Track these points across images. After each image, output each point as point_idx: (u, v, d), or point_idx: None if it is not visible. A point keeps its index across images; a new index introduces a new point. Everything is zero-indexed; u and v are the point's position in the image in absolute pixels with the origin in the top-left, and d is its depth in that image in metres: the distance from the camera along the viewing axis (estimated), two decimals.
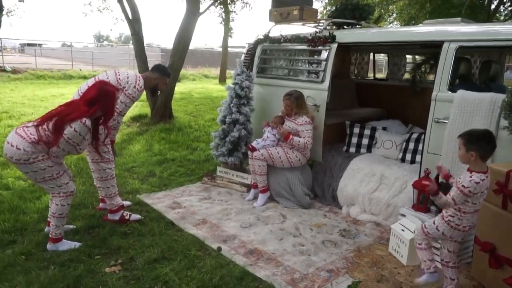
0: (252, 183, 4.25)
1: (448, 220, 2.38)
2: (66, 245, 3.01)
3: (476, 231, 2.78)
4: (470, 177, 2.22)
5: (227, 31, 18.66)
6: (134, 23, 7.96)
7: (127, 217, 3.50)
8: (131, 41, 7.82)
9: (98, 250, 2.99)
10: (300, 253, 3.10)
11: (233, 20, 17.88)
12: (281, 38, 4.61)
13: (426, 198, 3.13)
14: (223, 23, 17.65)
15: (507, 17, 15.67)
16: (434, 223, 2.47)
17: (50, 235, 2.99)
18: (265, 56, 4.82)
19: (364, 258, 3.05)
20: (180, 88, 14.48)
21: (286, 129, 3.96)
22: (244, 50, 5.14)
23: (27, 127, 2.78)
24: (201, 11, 8.75)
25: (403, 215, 3.23)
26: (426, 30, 3.63)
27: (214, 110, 9.48)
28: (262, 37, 4.86)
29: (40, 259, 2.82)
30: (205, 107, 10.52)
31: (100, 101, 2.84)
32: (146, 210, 3.79)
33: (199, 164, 5.35)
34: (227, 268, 2.81)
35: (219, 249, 3.09)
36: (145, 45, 8.32)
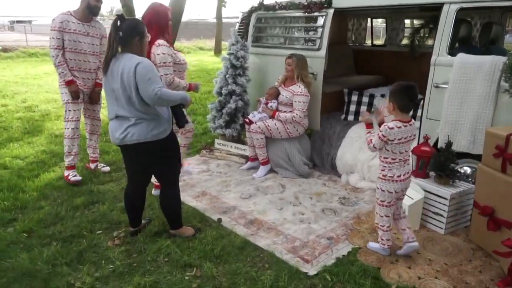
0: (250, 155, 4.24)
1: (382, 176, 2.50)
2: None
3: (475, 195, 2.80)
4: (387, 124, 2.39)
5: (220, 1, 18.17)
6: None
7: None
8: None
9: (99, 225, 3.01)
10: (300, 221, 3.12)
11: None
12: (276, 5, 4.47)
13: (425, 164, 3.12)
14: None
15: None
16: (377, 189, 2.57)
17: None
18: (260, 25, 4.70)
19: (363, 225, 3.08)
20: None
21: (273, 107, 3.98)
22: (238, 19, 5.01)
23: None
24: None
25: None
26: None
27: (210, 82, 9.33)
28: (256, 5, 4.72)
29: (43, 236, 2.84)
30: (201, 79, 10.39)
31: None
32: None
33: (196, 137, 5.31)
34: (228, 238, 2.84)
35: (220, 220, 3.11)
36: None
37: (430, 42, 4.66)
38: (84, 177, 3.86)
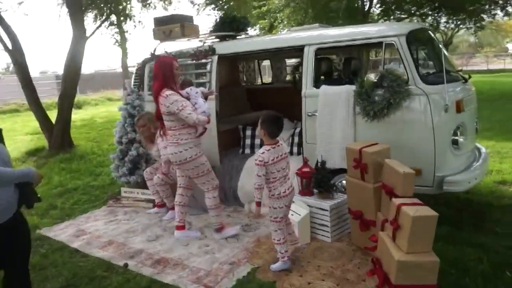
0: (156, 202, 4.33)
1: (271, 196, 2.85)
2: (233, 231, 3.59)
3: (348, 204, 3.26)
4: (259, 151, 2.79)
5: (124, 51, 18.28)
6: (16, 53, 7.52)
7: None
8: None
9: None
10: (205, 253, 3.31)
11: (127, 40, 17.57)
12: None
13: (308, 183, 3.55)
14: (118, 44, 17.26)
15: (379, 17, 17.73)
16: (270, 208, 2.89)
17: (217, 226, 3.55)
18: None
19: (262, 246, 3.36)
20: (81, 115, 13.85)
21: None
22: (134, 70, 5.24)
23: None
24: (88, 34, 8.58)
25: (293, 202, 3.61)
26: (290, 37, 4.12)
27: None
28: (148, 56, 5.00)
29: None
30: (109, 131, 10.17)
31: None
32: (48, 244, 3.69)
33: (103, 188, 5.28)
34: (134, 281, 2.92)
35: (126, 265, 3.16)
36: (39, 73, 7.96)
37: None
38: None
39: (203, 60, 4.50)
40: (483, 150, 3.94)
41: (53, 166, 6.60)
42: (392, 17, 17.55)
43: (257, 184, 2.77)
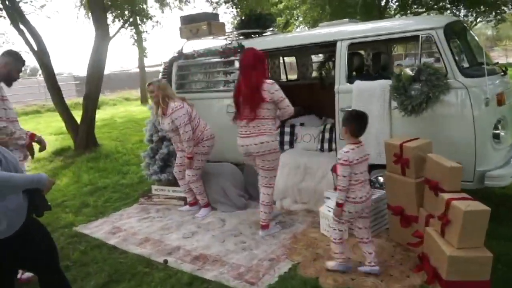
0: (189, 201, 4.34)
1: (346, 197, 2.63)
2: (275, 228, 3.62)
3: (387, 199, 3.23)
4: (342, 150, 2.64)
5: (142, 51, 18.45)
6: (41, 54, 7.65)
7: (18, 276, 2.86)
8: (38, 73, 7.50)
9: None
10: (243, 249, 3.32)
11: (145, 40, 17.72)
12: (194, 53, 4.82)
13: None
14: (136, 44, 17.44)
15: (396, 12, 17.52)
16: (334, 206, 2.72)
17: (264, 223, 3.56)
18: (182, 72, 5.00)
19: (300, 243, 3.35)
20: (101, 115, 13.99)
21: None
22: (161, 69, 5.28)
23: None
24: (111, 34, 8.68)
25: (328, 198, 3.60)
26: (321, 33, 4.09)
27: (140, 132, 9.35)
28: (176, 55, 5.03)
29: None
30: (131, 130, 10.35)
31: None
32: (86, 240, 3.75)
33: (133, 186, 5.34)
34: (175, 277, 2.94)
35: (165, 261, 3.19)
36: (55, 74, 8.04)
37: (334, 73, 5.27)
38: None
39: (231, 58, 4.51)
40: None
41: (80, 165, 6.71)
42: (409, 12, 17.33)
43: (341, 186, 2.59)
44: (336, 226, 2.77)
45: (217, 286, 2.78)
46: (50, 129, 11.37)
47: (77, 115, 8.05)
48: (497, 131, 3.25)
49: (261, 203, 3.56)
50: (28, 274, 3.14)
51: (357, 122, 2.65)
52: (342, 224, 2.76)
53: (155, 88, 3.97)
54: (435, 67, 3.22)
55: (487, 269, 2.20)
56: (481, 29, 37.39)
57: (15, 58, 3.17)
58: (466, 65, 3.67)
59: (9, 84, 3.20)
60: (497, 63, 3.82)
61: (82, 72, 24.84)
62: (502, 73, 3.54)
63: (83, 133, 7.76)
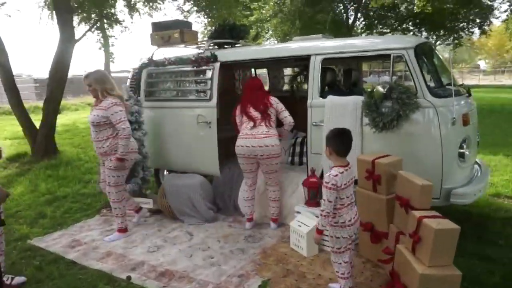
0: (135, 209, 4.19)
1: (334, 224, 2.48)
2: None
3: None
4: (330, 173, 2.44)
5: (108, 56, 17.96)
6: None
7: (8, 281, 2.94)
8: None
9: None
10: (211, 265, 3.21)
11: (113, 45, 17.26)
12: (165, 61, 4.70)
13: (315, 194, 3.52)
14: (103, 48, 16.97)
15: (362, 30, 18.13)
16: (330, 238, 2.56)
17: (275, 217, 3.89)
18: (152, 80, 4.86)
19: (270, 258, 3.29)
20: (62, 120, 13.40)
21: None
22: (129, 75, 5.11)
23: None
24: (77, 37, 8.36)
25: (299, 212, 3.58)
26: (296, 46, 4.10)
27: None
28: (146, 61, 4.89)
29: None
30: None
31: None
32: (41, 255, 3.50)
33: (95, 196, 5.08)
34: None
35: (129, 278, 3.02)
36: (14, 75, 7.61)
37: (305, 86, 5.31)
38: None
39: (204, 67, 4.43)
40: (482, 163, 4.02)
41: (38, 172, 6.33)
42: (375, 31, 18.00)
43: (325, 212, 2.41)
44: (339, 259, 2.55)
45: None
46: (6, 133, 10.74)
47: (36, 120, 7.65)
48: (462, 150, 3.35)
49: (270, 198, 3.86)
50: (18, 279, 2.99)
51: (340, 140, 2.51)
52: (344, 254, 2.53)
53: (92, 81, 3.59)
54: (406, 86, 3.29)
55: (456, 287, 2.22)
56: (439, 52, 39.54)
57: None
58: (433, 85, 3.79)
59: None
60: (462, 84, 3.97)
61: (43, 74, 23.76)
62: (467, 94, 3.69)
63: (42, 138, 7.36)
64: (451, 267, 2.26)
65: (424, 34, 18.20)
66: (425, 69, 3.47)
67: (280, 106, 3.86)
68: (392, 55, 3.40)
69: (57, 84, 7.48)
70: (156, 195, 4.47)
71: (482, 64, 52.39)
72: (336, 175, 2.40)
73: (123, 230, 3.87)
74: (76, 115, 16.23)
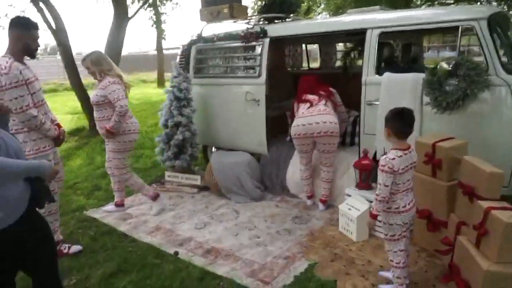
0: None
1: (387, 209, 2.31)
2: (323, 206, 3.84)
3: None
4: (387, 155, 2.25)
5: (160, 33, 18.24)
6: (59, 32, 7.55)
7: (65, 251, 3.12)
8: (58, 52, 7.39)
9: None
10: (257, 245, 3.17)
11: (165, 22, 17.43)
12: (214, 37, 4.62)
13: (367, 176, 3.33)
14: (155, 25, 17.22)
15: (423, 2, 16.86)
16: (384, 224, 2.40)
17: (325, 198, 3.79)
18: (201, 56, 4.82)
19: (317, 241, 3.19)
20: None
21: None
22: (179, 52, 5.10)
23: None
24: (130, 15, 8.52)
25: (349, 195, 3.42)
26: (350, 19, 3.84)
27: (156, 115, 9.23)
28: (195, 38, 4.84)
29: None
30: (146, 113, 10.25)
31: None
32: (96, 226, 3.66)
33: (146, 171, 5.23)
34: (186, 271, 2.82)
35: (176, 253, 3.07)
36: (75, 54, 7.95)
37: (360, 62, 5.02)
38: None
39: (253, 43, 4.30)
40: None
41: (94, 146, 6.64)
42: (436, 2, 16.66)
43: (380, 196, 2.23)
44: (394, 247, 2.37)
45: (229, 283, 2.65)
46: (67, 109, 11.37)
47: None
48: None
49: (322, 179, 3.77)
50: (75, 248, 3.17)
51: (401, 120, 2.26)
52: (399, 242, 2.36)
53: (89, 64, 3.59)
54: (475, 62, 2.97)
55: None
56: None
57: (24, 26, 2.78)
58: (506, 60, 3.39)
59: (32, 56, 2.89)
60: None
61: None
62: None
63: None
64: None
65: (494, 3, 16.59)
66: (498, 42, 3.10)
67: (339, 99, 3.88)
68: (460, 27, 3.06)
69: (112, 61, 7.68)
70: (204, 171, 4.50)
71: None
72: (394, 159, 2.21)
73: (120, 204, 4.03)
74: (130, 91, 16.73)
